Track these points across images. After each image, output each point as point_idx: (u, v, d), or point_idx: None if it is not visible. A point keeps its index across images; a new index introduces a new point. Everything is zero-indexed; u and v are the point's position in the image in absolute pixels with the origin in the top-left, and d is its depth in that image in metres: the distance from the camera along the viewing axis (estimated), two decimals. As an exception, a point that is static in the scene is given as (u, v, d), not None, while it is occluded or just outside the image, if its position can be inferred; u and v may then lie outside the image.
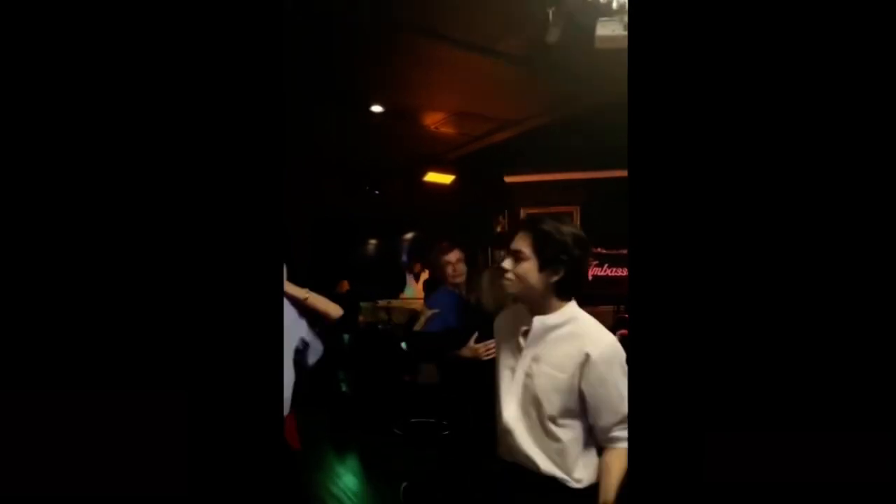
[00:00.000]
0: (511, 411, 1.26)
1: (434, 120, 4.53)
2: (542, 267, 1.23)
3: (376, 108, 4.25)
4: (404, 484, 2.57)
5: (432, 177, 5.65)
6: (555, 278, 1.23)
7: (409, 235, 6.59)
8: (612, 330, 4.62)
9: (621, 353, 1.20)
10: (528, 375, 1.25)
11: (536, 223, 1.25)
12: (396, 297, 5.58)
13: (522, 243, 1.26)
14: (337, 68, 3.49)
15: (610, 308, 4.70)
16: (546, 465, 1.21)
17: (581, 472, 1.22)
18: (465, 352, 2.11)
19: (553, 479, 1.21)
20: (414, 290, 5.53)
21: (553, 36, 2.80)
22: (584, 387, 1.19)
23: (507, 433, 1.26)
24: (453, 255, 2.41)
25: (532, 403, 1.23)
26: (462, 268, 2.35)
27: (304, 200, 6.09)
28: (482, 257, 6.11)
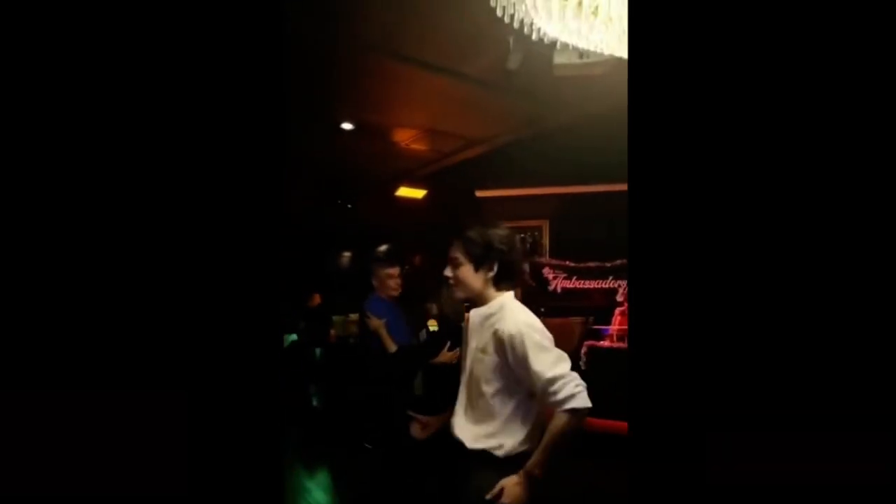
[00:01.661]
0: (461, 399, 1.43)
1: (405, 137, 4.61)
2: (477, 267, 1.41)
3: (347, 126, 4.32)
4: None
5: (405, 191, 5.72)
6: (490, 274, 1.41)
7: (382, 248, 6.59)
8: (580, 341, 4.67)
9: (533, 326, 1.34)
10: (471, 363, 1.41)
11: (463, 231, 1.44)
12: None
13: (457, 251, 1.44)
14: (308, 88, 3.56)
15: (579, 319, 4.81)
16: (472, 444, 1.35)
17: (506, 444, 1.34)
18: (442, 358, 2.34)
19: (483, 452, 1.34)
20: None
21: (514, 62, 2.91)
22: (511, 363, 1.33)
23: (454, 416, 1.43)
24: (395, 270, 2.61)
25: (474, 387, 1.38)
26: (399, 282, 2.61)
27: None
28: (454, 270, 6.17)
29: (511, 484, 1.27)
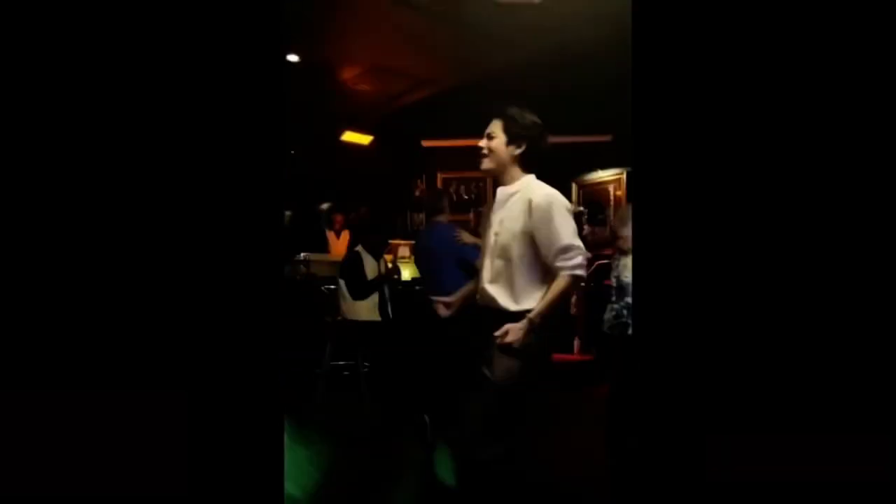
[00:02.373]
0: (486, 265, 1.63)
1: (351, 75, 4.55)
2: (509, 142, 1.61)
3: (292, 58, 4.22)
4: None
5: (350, 136, 5.65)
6: (518, 151, 1.60)
7: (325, 206, 6.51)
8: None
9: (560, 199, 1.57)
10: (496, 234, 1.61)
11: (503, 110, 1.64)
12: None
13: (494, 126, 1.64)
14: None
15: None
16: (504, 300, 1.56)
17: (527, 302, 1.55)
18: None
19: (506, 311, 1.54)
20: (333, 249, 5.48)
21: (459, -12, 2.96)
22: (531, 227, 1.53)
23: (479, 281, 1.64)
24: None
25: (500, 255, 1.58)
26: None
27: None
28: (401, 220, 6.23)
29: (515, 328, 1.48)
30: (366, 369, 3.52)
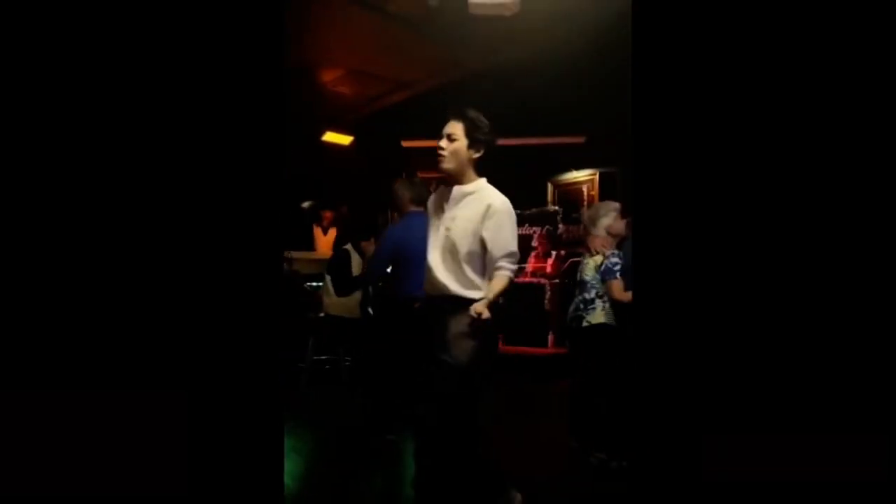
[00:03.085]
0: (435, 257, 1.72)
1: (330, 78, 4.66)
2: (470, 146, 1.69)
3: (273, 63, 4.31)
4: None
5: (331, 136, 5.73)
6: (477, 155, 1.71)
7: (306, 204, 6.58)
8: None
9: (510, 208, 1.71)
10: (448, 229, 1.70)
11: (465, 113, 1.71)
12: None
13: (455, 128, 1.70)
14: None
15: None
16: (455, 287, 1.68)
17: (474, 291, 1.69)
18: None
19: (460, 297, 1.67)
20: (320, 246, 5.53)
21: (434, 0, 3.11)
22: (483, 232, 1.66)
23: (430, 271, 1.73)
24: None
25: (450, 249, 1.69)
26: None
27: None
28: (382, 219, 6.33)
29: (481, 305, 1.60)
30: (347, 363, 3.66)
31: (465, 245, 1.67)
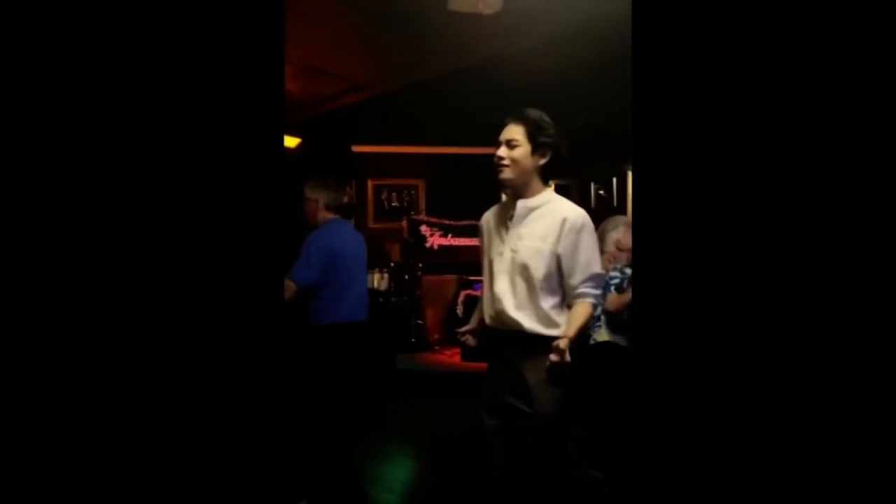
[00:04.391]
0: (502, 285, 1.47)
1: (280, 73, 4.25)
2: (534, 151, 1.46)
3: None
4: None
5: (275, 138, 5.32)
6: (543, 161, 1.47)
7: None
8: (456, 294, 4.85)
9: (590, 223, 1.47)
10: (514, 251, 1.47)
11: (526, 114, 1.47)
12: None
13: (515, 132, 1.47)
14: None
15: (454, 277, 4.96)
16: (531, 324, 1.44)
17: (555, 326, 1.46)
18: None
19: (539, 336, 1.43)
20: None
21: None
22: (560, 251, 1.43)
23: (498, 302, 1.48)
24: None
25: (520, 273, 1.45)
26: None
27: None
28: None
29: (562, 350, 1.37)
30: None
31: (539, 268, 1.43)
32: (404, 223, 5.23)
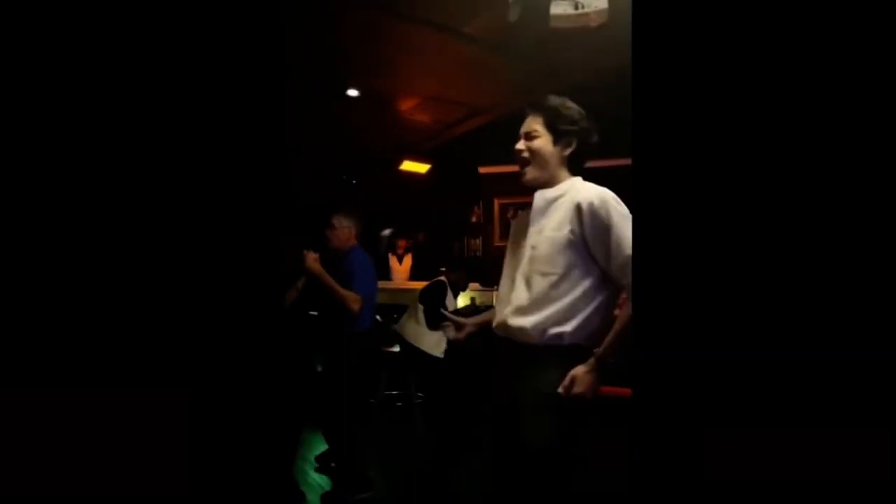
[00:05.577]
0: (513, 284, 1.29)
1: (408, 106, 4.64)
2: (556, 141, 1.31)
3: (352, 93, 4.38)
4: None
5: (408, 165, 5.76)
6: (567, 151, 1.32)
7: (386, 232, 6.67)
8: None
9: (615, 198, 1.24)
10: (533, 247, 1.28)
11: (543, 102, 1.33)
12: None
13: (534, 123, 1.33)
14: (312, 52, 3.62)
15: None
16: (535, 332, 1.22)
17: (573, 332, 1.22)
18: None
19: (537, 346, 1.23)
20: (396, 275, 5.48)
21: (513, 15, 2.96)
22: (587, 236, 1.21)
23: (505, 305, 1.29)
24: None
25: (538, 271, 1.25)
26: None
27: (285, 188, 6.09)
28: (458, 246, 6.23)
29: (582, 373, 1.17)
30: (419, 400, 3.48)
31: (560, 262, 1.22)
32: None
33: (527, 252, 1.30)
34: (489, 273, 5.14)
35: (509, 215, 5.73)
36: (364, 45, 3.59)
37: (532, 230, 1.32)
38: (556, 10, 2.73)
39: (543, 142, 1.32)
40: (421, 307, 3.32)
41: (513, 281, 1.31)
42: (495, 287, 4.68)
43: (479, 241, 6.13)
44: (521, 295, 1.27)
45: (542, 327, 1.23)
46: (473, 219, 6.20)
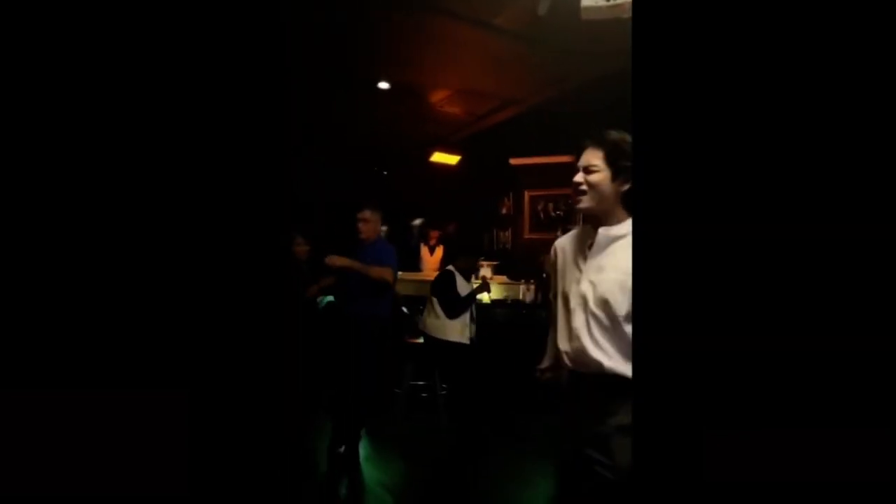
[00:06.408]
0: (579, 321, 1.33)
1: (439, 98, 4.65)
2: (615, 176, 1.32)
3: (383, 85, 4.41)
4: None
5: (439, 157, 5.77)
6: (625, 187, 1.31)
7: (417, 222, 6.71)
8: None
9: None
10: (593, 283, 1.31)
11: (605, 137, 1.34)
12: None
13: (593, 157, 1.34)
14: (344, 45, 3.66)
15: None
16: (610, 363, 1.28)
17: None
18: None
19: (617, 376, 1.27)
20: (427, 265, 5.52)
21: (543, 8, 2.92)
22: None
23: (577, 340, 1.33)
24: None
25: (601, 308, 1.29)
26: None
27: (314, 181, 6.19)
28: (488, 238, 6.22)
29: None
30: (443, 391, 3.53)
31: (623, 304, 1.26)
32: (559, 233, 5.23)
33: (586, 287, 1.34)
34: (516, 267, 5.10)
35: (539, 207, 5.67)
36: (395, 38, 3.61)
37: (590, 264, 1.35)
38: (587, 1, 2.69)
39: (603, 177, 1.33)
40: (435, 300, 3.36)
41: (575, 315, 1.35)
42: (522, 281, 4.68)
43: (508, 234, 6.10)
44: (589, 330, 1.32)
45: (616, 361, 1.28)
46: (504, 210, 6.18)
